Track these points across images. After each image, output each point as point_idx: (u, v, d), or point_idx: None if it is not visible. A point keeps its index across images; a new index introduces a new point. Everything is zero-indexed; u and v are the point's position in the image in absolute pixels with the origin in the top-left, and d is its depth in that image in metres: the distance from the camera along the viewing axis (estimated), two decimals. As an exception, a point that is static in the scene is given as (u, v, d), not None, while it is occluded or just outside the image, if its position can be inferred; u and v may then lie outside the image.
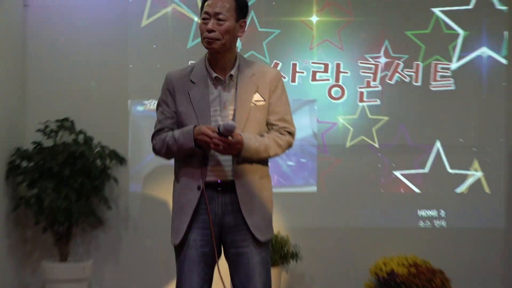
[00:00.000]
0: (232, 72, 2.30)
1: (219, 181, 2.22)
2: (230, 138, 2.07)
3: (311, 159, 4.18)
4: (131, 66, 4.21)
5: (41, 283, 4.06)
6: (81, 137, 3.92)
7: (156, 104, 2.43)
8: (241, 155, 2.15)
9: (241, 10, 2.25)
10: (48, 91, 4.28)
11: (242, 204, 2.21)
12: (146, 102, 4.21)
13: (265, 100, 2.30)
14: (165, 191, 4.01)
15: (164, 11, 4.17)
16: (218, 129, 2.05)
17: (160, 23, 4.19)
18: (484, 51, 4.12)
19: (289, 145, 2.36)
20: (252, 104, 2.29)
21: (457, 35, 4.16)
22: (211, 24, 2.19)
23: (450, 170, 4.16)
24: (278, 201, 3.58)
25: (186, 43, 4.17)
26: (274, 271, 3.57)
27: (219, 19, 2.21)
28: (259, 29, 4.10)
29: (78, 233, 4.15)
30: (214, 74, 2.26)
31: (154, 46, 4.15)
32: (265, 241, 2.24)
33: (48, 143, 3.91)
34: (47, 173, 3.81)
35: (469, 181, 4.19)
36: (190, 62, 3.82)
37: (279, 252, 3.87)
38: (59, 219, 3.77)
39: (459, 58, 4.19)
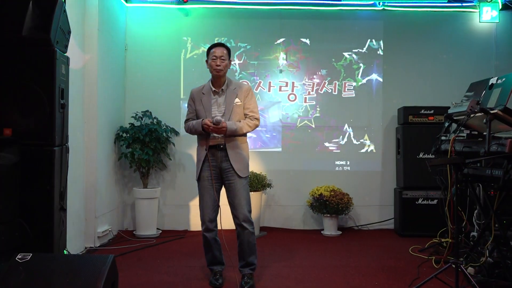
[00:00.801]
0: (223, 87, 3.46)
1: (221, 145, 3.36)
2: (220, 125, 3.22)
3: (278, 134, 5.58)
4: (182, 81, 5.55)
5: (133, 200, 5.37)
6: (155, 120, 5.33)
7: (187, 105, 3.64)
8: (226, 133, 3.32)
9: (230, 55, 3.48)
10: (137, 95, 5.55)
11: (230, 157, 3.37)
12: None
13: (241, 102, 3.43)
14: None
15: (196, 51, 5.58)
16: (212, 122, 3.26)
17: (197, 57, 5.56)
18: (374, 76, 5.64)
19: (256, 126, 3.50)
20: (234, 104, 3.41)
21: (360, 67, 5.60)
22: (218, 61, 3.40)
23: (354, 141, 5.67)
24: (261, 156, 5.36)
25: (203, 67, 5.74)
26: (257, 194, 5.15)
27: (222, 59, 3.42)
28: (250, 62, 5.58)
29: (153, 173, 5.44)
30: (213, 89, 3.45)
31: (193, 70, 5.57)
32: (244, 176, 3.40)
33: (137, 123, 5.30)
34: (136, 140, 5.14)
35: (365, 146, 5.64)
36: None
37: (260, 183, 5.20)
38: (143, 165, 5.17)
39: (361, 79, 5.61)
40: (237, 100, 3.43)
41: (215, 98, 3.45)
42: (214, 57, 3.40)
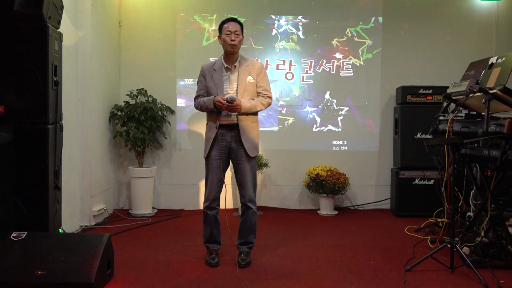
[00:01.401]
0: (236, 64, 3.41)
1: (233, 124, 3.31)
2: (235, 103, 3.20)
3: (275, 112, 5.58)
4: (177, 59, 5.50)
5: (128, 179, 5.40)
6: (150, 99, 5.26)
7: (196, 81, 3.63)
8: (240, 111, 3.29)
9: (243, 30, 3.43)
10: (132, 73, 5.50)
11: (242, 136, 3.33)
12: (185, 79, 5.52)
13: (254, 80, 3.40)
14: (193, 129, 5.46)
15: (191, 27, 5.51)
16: (227, 99, 3.25)
17: (189, 34, 5.51)
18: (373, 55, 5.55)
19: (269, 104, 3.48)
20: (247, 82, 3.38)
21: (358, 45, 5.53)
22: (233, 36, 3.34)
23: (351, 121, 5.58)
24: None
25: (201, 43, 5.52)
26: None
27: (236, 34, 3.36)
28: (247, 40, 5.49)
29: (148, 151, 5.45)
30: (226, 65, 3.40)
31: (188, 46, 5.51)
32: (253, 156, 3.40)
33: (132, 101, 5.26)
34: (131, 118, 5.11)
35: (363, 126, 5.58)
36: (210, 58, 5.29)
37: (257, 163, 5.03)
38: (138, 143, 5.15)
39: (360, 58, 5.55)
40: (250, 77, 3.41)
41: (227, 74, 3.42)
42: (228, 32, 3.36)
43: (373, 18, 5.60)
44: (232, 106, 3.27)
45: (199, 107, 3.46)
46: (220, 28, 3.41)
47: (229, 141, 3.38)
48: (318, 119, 5.68)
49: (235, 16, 3.59)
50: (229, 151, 3.41)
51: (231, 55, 3.40)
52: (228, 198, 3.61)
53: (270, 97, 3.50)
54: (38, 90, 3.13)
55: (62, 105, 3.42)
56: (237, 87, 3.38)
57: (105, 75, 5.10)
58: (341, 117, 5.68)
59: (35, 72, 3.12)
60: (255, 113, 3.45)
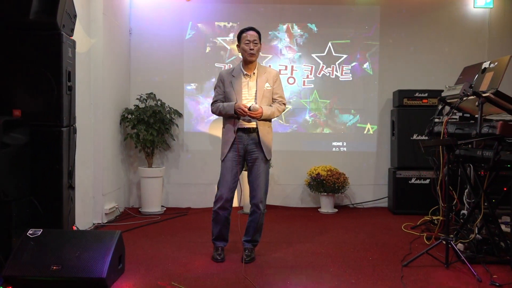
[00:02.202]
0: (254, 71, 3.42)
1: (253, 129, 3.29)
2: (257, 111, 3.21)
3: (279, 116, 5.49)
4: (184, 65, 5.51)
5: (138, 179, 5.41)
6: (159, 102, 5.29)
7: (214, 86, 3.58)
8: (261, 118, 3.31)
9: (260, 39, 3.43)
10: (142, 78, 5.52)
11: (261, 139, 3.34)
12: (192, 84, 5.54)
13: (271, 87, 3.42)
14: (200, 132, 5.45)
15: (198, 35, 5.50)
16: (249, 108, 3.28)
17: (196, 41, 5.51)
18: (370, 60, 5.53)
19: (283, 110, 3.55)
20: (265, 89, 3.40)
21: (357, 51, 5.50)
22: (252, 45, 3.34)
23: (350, 123, 5.58)
24: None
25: (205, 50, 5.51)
26: None
27: (255, 43, 3.37)
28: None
29: (157, 152, 5.45)
30: (245, 72, 3.41)
31: (194, 53, 5.51)
32: (268, 159, 3.42)
33: (141, 105, 5.29)
34: (141, 121, 5.11)
35: (361, 128, 5.57)
36: (216, 63, 5.37)
37: None
38: (148, 145, 5.18)
39: (358, 63, 5.52)
40: (267, 84, 3.42)
41: (246, 81, 3.42)
42: (247, 41, 3.36)
43: (371, 25, 5.59)
44: (254, 113, 3.28)
45: (218, 112, 3.46)
46: (239, 37, 3.42)
47: (245, 144, 3.38)
48: (318, 121, 5.67)
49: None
50: (244, 153, 3.40)
51: (250, 63, 3.40)
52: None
53: (285, 104, 3.54)
54: (52, 94, 3.15)
55: (76, 108, 3.43)
56: (255, 94, 3.38)
57: (116, 80, 5.11)
58: (341, 119, 5.67)
59: (50, 78, 3.14)
60: (271, 120, 3.47)
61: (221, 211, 3.40)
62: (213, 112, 3.49)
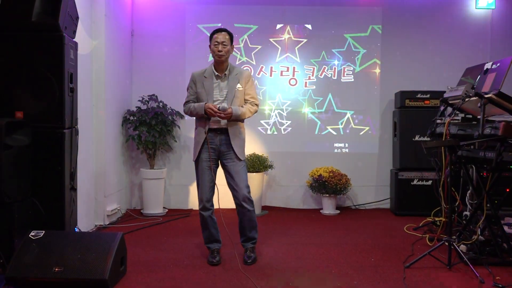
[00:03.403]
0: (226, 72, 3.41)
1: (223, 129, 3.31)
2: (226, 111, 3.21)
3: (279, 117, 5.56)
4: (186, 67, 5.50)
5: (140, 180, 5.40)
6: (161, 104, 5.28)
7: (187, 88, 3.52)
8: (231, 118, 3.31)
9: (232, 41, 3.44)
10: (143, 80, 5.52)
11: (231, 140, 3.35)
12: None
13: (242, 87, 3.41)
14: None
15: (200, 36, 5.50)
16: (218, 108, 3.28)
17: (198, 43, 5.50)
18: (372, 61, 5.57)
19: (255, 111, 3.50)
20: (236, 89, 3.39)
21: (359, 52, 5.54)
22: (220, 47, 3.34)
23: (352, 124, 5.62)
24: (262, 138, 5.40)
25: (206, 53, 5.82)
26: (259, 175, 5.19)
27: (224, 45, 3.36)
28: (249, 45, 5.52)
29: (159, 154, 5.45)
30: (216, 73, 3.41)
31: (197, 54, 5.47)
32: (242, 159, 3.39)
33: (143, 107, 5.30)
34: (143, 123, 5.11)
35: (363, 129, 5.60)
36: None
37: (262, 164, 5.22)
38: (149, 146, 5.19)
39: (360, 64, 5.56)
40: (239, 85, 3.42)
41: (217, 82, 3.42)
42: (216, 43, 3.37)
43: (373, 27, 5.58)
44: (223, 114, 3.28)
45: (189, 112, 3.47)
46: (210, 38, 3.42)
47: (218, 145, 3.39)
48: (320, 123, 5.67)
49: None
50: (218, 154, 3.41)
51: (220, 64, 3.41)
52: (226, 198, 3.59)
53: (257, 105, 3.53)
54: (54, 96, 3.16)
55: (78, 110, 3.45)
56: (226, 94, 3.38)
57: (118, 82, 5.11)
58: (343, 121, 5.66)
59: (52, 80, 3.15)
60: (243, 120, 3.47)
61: (204, 212, 3.42)
62: (185, 112, 3.51)
